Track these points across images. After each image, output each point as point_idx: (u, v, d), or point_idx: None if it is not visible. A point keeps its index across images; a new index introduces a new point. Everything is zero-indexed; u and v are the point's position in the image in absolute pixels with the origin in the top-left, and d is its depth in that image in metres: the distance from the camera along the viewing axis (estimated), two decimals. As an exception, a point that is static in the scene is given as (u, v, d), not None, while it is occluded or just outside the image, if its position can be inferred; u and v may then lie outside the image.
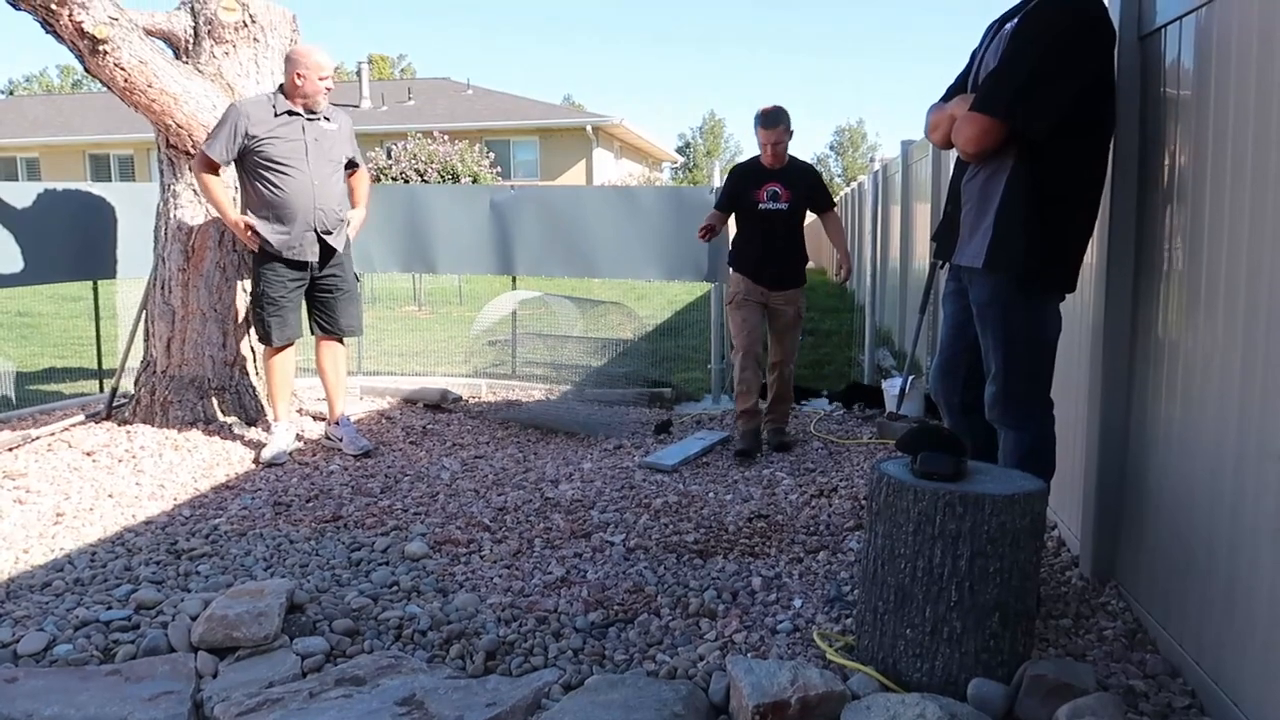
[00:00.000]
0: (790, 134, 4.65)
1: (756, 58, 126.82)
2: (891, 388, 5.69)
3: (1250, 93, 2.05)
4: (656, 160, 33.69)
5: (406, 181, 19.29)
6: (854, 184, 15.79)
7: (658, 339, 8.98)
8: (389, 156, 20.17)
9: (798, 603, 2.83)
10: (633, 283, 14.02)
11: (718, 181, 6.11)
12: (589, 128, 25.74)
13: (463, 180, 19.55)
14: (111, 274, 5.87)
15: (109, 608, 2.78)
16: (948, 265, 2.77)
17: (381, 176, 19.51)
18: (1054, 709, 2.05)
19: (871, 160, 7.25)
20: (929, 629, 2.18)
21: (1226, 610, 2.10)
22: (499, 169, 21.64)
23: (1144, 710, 2.17)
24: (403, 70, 56.07)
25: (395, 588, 2.97)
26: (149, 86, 4.57)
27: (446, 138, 20.53)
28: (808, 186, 4.75)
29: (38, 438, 4.71)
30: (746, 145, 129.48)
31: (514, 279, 6.89)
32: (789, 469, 4.41)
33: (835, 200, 4.91)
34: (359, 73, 29.58)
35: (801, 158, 4.93)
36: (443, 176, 19.54)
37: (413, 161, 19.59)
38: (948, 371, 2.82)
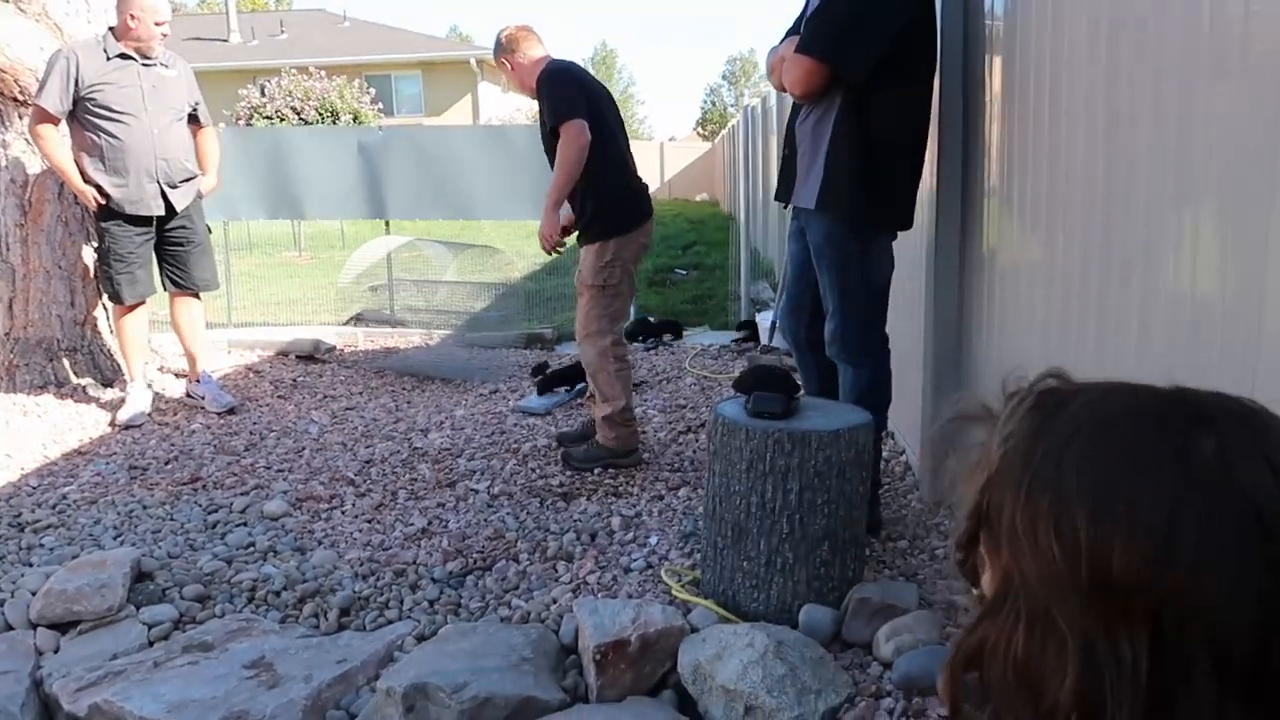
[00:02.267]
0: (505, 63, 3.58)
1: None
2: (764, 321, 5.82)
3: (1047, 25, 2.13)
4: (547, 93, 32.98)
5: (283, 120, 18.47)
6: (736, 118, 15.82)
7: (544, 278, 8.92)
8: (263, 94, 19.24)
9: (654, 540, 2.89)
10: (523, 221, 13.87)
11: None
12: (473, 60, 25.02)
13: (343, 118, 18.82)
14: (-54, 231, 5.48)
15: (-58, 588, 2.66)
16: (789, 207, 2.82)
17: (255, 115, 18.62)
18: (877, 629, 2.17)
19: (742, 96, 7.29)
20: (764, 561, 2.27)
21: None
22: (380, 105, 20.89)
23: (962, 623, 2.31)
24: (276, 1, 53.17)
25: (251, 549, 2.93)
26: (-38, 28, 4.23)
27: (323, 73, 19.67)
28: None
29: None
30: (640, 76, 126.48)
31: (387, 223, 6.73)
32: (661, 405, 4.48)
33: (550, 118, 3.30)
34: (227, 3, 27.94)
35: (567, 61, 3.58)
36: (321, 115, 18.76)
37: (288, 99, 18.74)
38: (793, 309, 2.89)
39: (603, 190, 3.43)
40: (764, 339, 5.71)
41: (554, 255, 3.62)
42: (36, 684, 2.25)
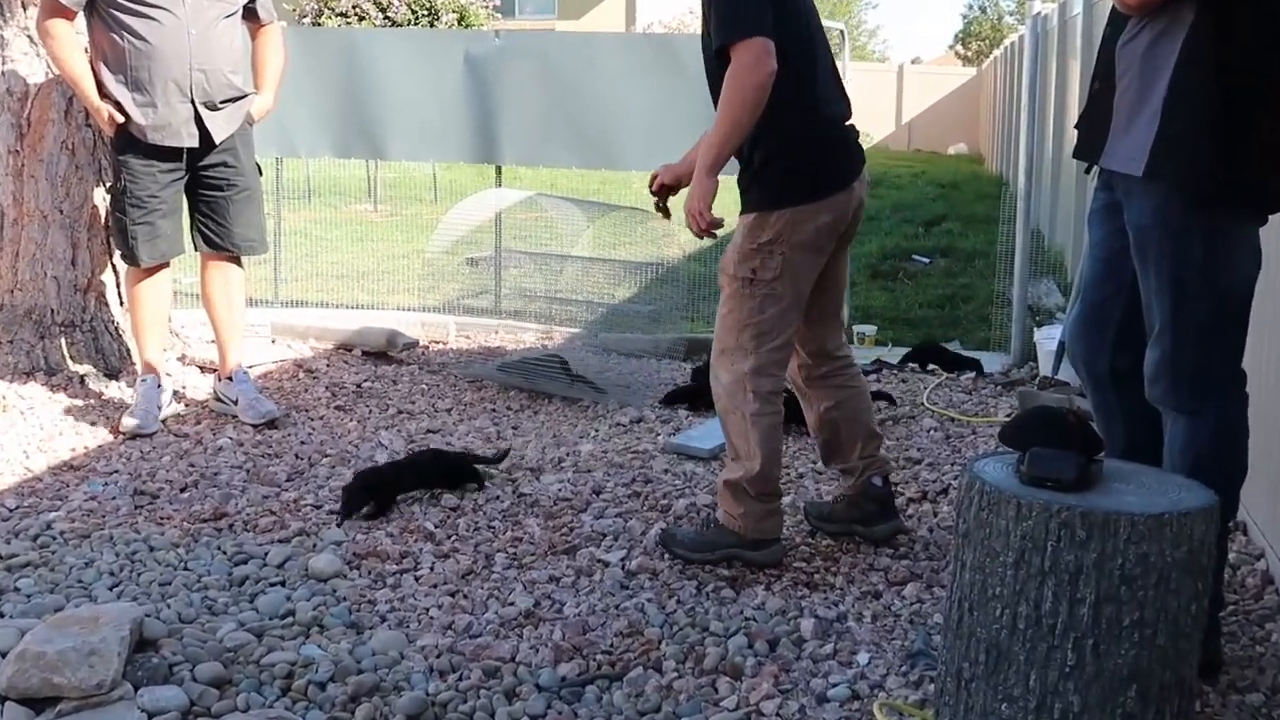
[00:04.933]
0: None
1: None
2: (1047, 341, 5.69)
3: None
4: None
5: (362, 20, 19.36)
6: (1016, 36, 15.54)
7: (716, 260, 8.99)
8: (336, -17, 20.23)
9: (864, 658, 2.88)
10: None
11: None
12: (632, -59, 25.52)
13: (444, 19, 19.56)
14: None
15: (-111, 637, 2.90)
16: (1095, 169, 2.75)
17: (325, 12, 19.60)
18: (1208, 826, 2.07)
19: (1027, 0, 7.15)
20: (1034, 704, 2.22)
21: None
22: (496, 3, 21.60)
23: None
24: None
25: (290, 619, 3.07)
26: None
27: (421, -46, 20.51)
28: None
29: None
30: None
31: (499, 170, 6.94)
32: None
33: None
34: None
35: None
36: (415, 13, 19.57)
37: (370, -9, 19.63)
38: (1092, 324, 2.83)
39: (781, 132, 3.28)
40: (1044, 367, 5.58)
41: (709, 239, 3.44)
42: (0, 779, 2.43)
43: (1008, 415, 5.05)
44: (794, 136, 3.31)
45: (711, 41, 3.26)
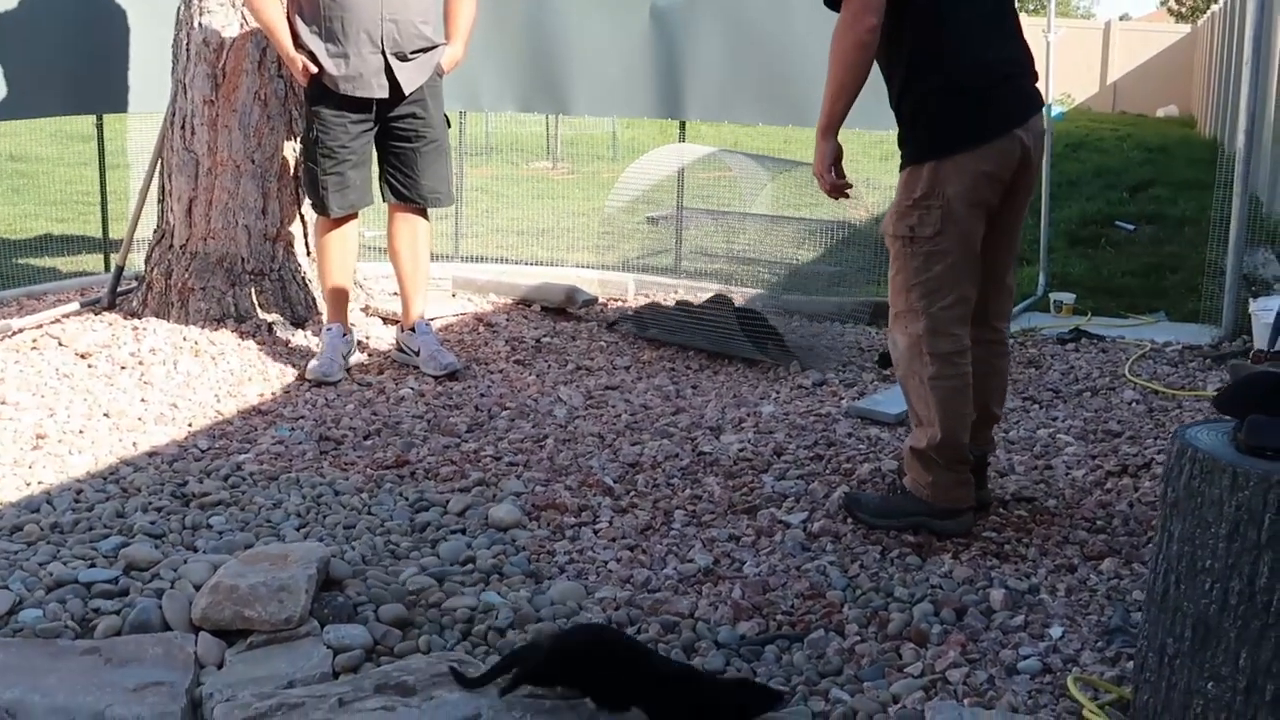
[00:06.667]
0: None
1: None
2: (1265, 312, 5.49)
3: None
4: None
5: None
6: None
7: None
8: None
9: (1056, 631, 2.85)
10: (885, 131, 13.78)
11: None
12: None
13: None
14: (121, 106, 6.33)
15: (91, 564, 3.10)
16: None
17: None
18: None
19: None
20: (1243, 685, 2.16)
21: None
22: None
23: None
24: None
25: (470, 566, 3.17)
26: None
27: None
28: None
29: (20, 331, 5.22)
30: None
31: (683, 126, 6.95)
32: (1080, 429, 4.36)
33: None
34: None
35: None
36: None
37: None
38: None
39: (925, 81, 3.24)
40: (1260, 341, 5.37)
41: (843, 200, 3.53)
42: (194, 703, 2.58)
43: (1217, 390, 4.89)
44: (939, 85, 3.24)
45: None
